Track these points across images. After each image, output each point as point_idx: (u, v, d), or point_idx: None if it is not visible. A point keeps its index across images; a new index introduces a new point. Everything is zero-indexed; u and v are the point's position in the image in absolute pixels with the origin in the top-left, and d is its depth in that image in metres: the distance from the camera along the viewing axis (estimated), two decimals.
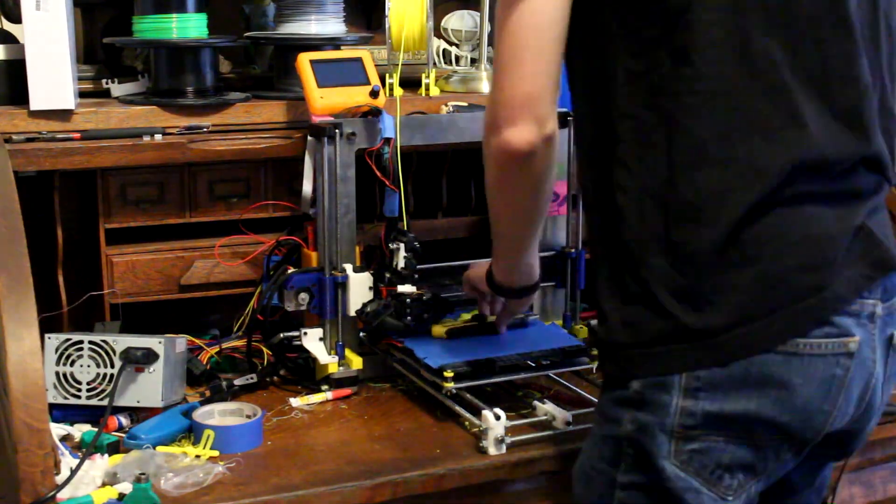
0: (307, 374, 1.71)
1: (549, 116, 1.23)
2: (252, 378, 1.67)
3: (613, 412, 1.25)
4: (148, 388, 1.53)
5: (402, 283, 1.67)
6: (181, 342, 1.60)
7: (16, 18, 1.75)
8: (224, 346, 1.77)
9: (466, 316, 1.71)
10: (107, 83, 1.85)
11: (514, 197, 1.34)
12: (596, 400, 1.58)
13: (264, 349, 1.75)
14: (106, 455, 1.41)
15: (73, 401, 1.53)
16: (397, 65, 1.94)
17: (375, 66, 1.78)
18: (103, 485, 1.34)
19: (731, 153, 1.17)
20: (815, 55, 1.20)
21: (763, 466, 1.23)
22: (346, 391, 1.66)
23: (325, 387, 1.66)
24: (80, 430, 1.49)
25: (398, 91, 1.91)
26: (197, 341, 1.76)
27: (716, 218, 1.17)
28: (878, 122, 1.25)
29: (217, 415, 1.53)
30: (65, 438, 1.47)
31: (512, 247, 1.48)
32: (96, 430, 1.48)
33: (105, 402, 1.49)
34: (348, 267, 1.66)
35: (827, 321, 1.19)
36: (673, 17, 1.17)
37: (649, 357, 1.21)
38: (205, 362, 1.72)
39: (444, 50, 2.10)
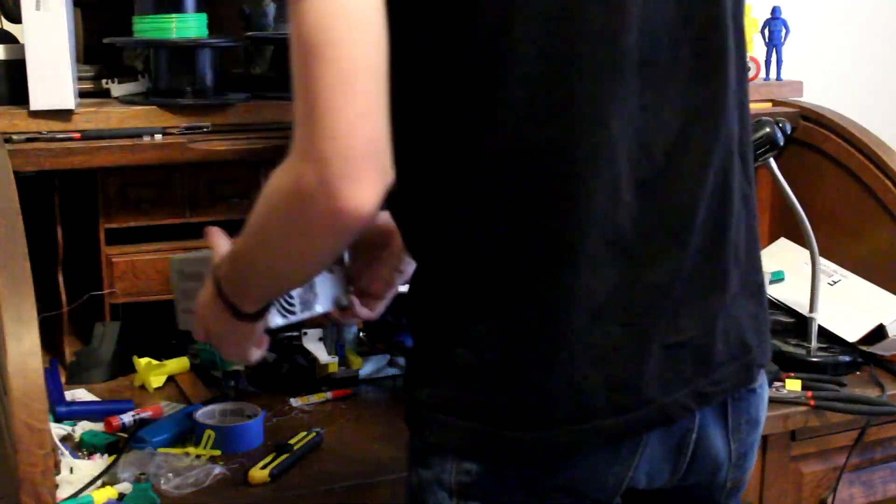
0: (307, 374, 1.71)
1: (391, 163, 0.95)
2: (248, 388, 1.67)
3: (407, 463, 1.14)
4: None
5: (403, 284, 1.67)
6: None
7: (16, 18, 1.75)
8: None
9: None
10: (107, 83, 1.85)
11: (315, 261, 1.05)
12: None
13: None
14: (106, 455, 1.42)
15: None
16: None
17: None
18: (103, 485, 1.34)
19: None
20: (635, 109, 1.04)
21: None
22: (347, 391, 1.66)
23: (325, 387, 1.66)
24: (80, 430, 1.50)
25: None
26: None
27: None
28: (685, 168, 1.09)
29: (218, 415, 1.53)
30: (65, 438, 1.47)
31: (280, 288, 1.15)
32: (96, 429, 1.48)
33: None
34: None
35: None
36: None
37: (440, 424, 1.06)
38: None
39: None
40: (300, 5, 0.89)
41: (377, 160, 0.92)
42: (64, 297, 1.75)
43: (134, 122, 1.72)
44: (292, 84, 0.93)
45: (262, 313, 1.17)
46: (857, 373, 1.79)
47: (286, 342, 1.75)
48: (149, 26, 1.77)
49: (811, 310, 1.80)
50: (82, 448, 1.44)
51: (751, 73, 2.16)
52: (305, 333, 1.68)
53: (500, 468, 1.06)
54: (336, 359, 1.67)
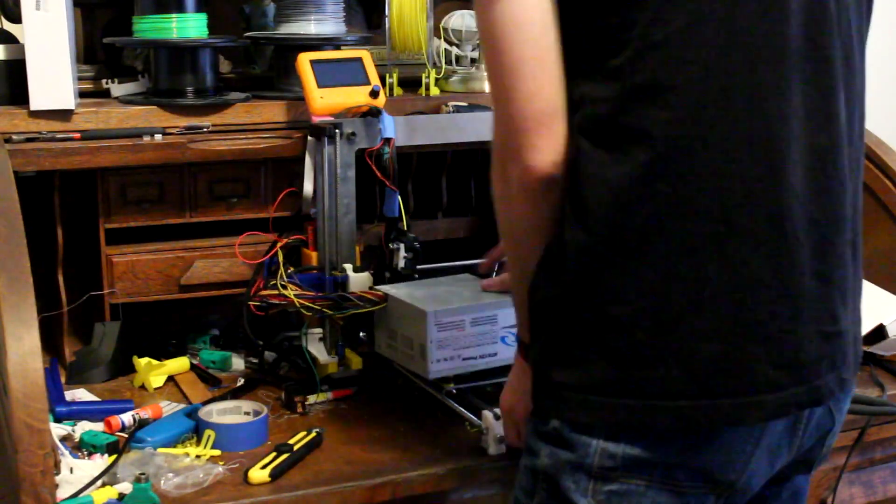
0: (307, 374, 1.71)
1: (566, 131, 1.11)
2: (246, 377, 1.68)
3: (533, 443, 1.18)
4: None
5: None
6: None
7: (16, 18, 1.75)
8: None
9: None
10: (107, 83, 1.85)
11: (525, 227, 1.17)
12: None
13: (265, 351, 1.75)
14: (106, 455, 1.42)
15: None
16: (397, 65, 1.94)
17: (375, 66, 1.78)
18: (103, 485, 1.34)
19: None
20: (799, 97, 1.12)
21: None
22: (346, 391, 1.66)
23: (325, 387, 1.66)
24: (80, 430, 1.49)
25: (398, 91, 1.91)
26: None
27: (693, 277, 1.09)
28: (847, 164, 1.18)
29: (219, 413, 1.53)
30: (65, 438, 1.47)
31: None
32: (96, 429, 1.48)
33: None
34: (348, 267, 1.66)
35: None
36: (642, 48, 1.07)
37: (589, 405, 1.12)
38: None
39: (444, 50, 2.10)
40: (486, 7, 1.09)
41: (552, 126, 1.10)
42: (64, 297, 1.75)
43: (134, 122, 1.72)
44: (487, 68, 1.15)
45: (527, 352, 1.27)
46: (858, 373, 1.79)
47: (286, 343, 1.75)
48: (149, 26, 1.77)
49: None
50: (82, 448, 1.44)
51: None
52: (306, 334, 1.68)
53: (646, 449, 1.11)
54: (336, 359, 1.67)
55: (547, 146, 1.10)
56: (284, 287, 1.61)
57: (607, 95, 1.09)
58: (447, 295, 1.56)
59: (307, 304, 1.60)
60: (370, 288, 1.63)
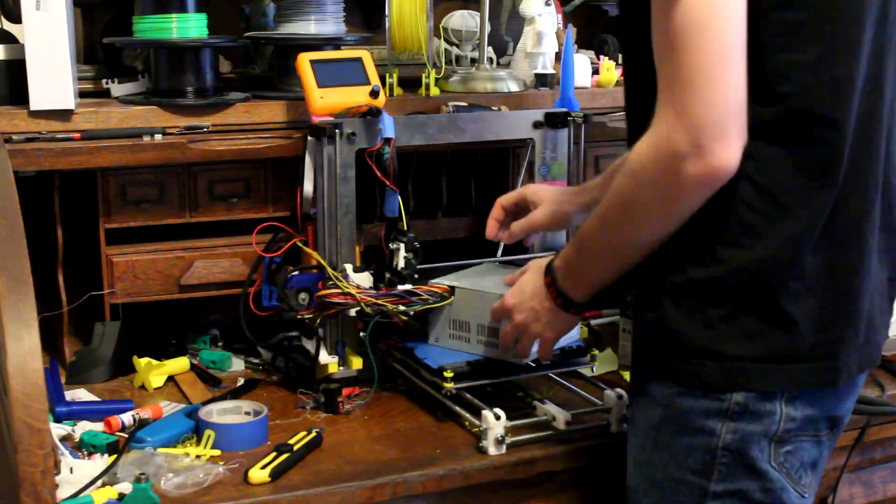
0: (307, 374, 1.71)
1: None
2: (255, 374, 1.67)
3: (703, 423, 1.22)
4: None
5: (402, 283, 1.67)
6: None
7: (16, 18, 1.75)
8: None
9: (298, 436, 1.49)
10: (107, 83, 1.85)
11: (674, 223, 1.19)
12: (596, 400, 1.59)
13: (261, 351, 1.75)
14: (106, 455, 1.42)
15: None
16: (397, 65, 1.94)
17: (375, 66, 1.78)
18: (103, 485, 1.34)
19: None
20: None
21: (822, 463, 1.29)
22: (347, 391, 1.66)
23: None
24: (80, 430, 1.49)
25: (398, 91, 1.91)
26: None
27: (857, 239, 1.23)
28: None
29: (219, 413, 1.53)
30: (65, 438, 1.47)
31: (620, 268, 1.29)
32: (96, 429, 1.48)
33: None
34: (348, 267, 1.66)
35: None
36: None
37: (768, 373, 1.20)
38: None
39: (444, 50, 2.10)
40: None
41: (742, 124, 1.12)
42: (64, 297, 1.75)
43: (134, 122, 1.72)
44: (658, 64, 1.13)
45: (585, 307, 1.37)
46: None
47: (286, 342, 1.74)
48: (149, 26, 1.77)
49: None
50: (82, 448, 1.44)
51: None
52: (368, 332, 1.68)
53: (815, 407, 1.23)
54: (336, 359, 1.67)
55: (737, 141, 1.12)
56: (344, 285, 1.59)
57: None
58: (500, 283, 1.58)
59: (372, 300, 1.59)
60: (430, 282, 1.64)
